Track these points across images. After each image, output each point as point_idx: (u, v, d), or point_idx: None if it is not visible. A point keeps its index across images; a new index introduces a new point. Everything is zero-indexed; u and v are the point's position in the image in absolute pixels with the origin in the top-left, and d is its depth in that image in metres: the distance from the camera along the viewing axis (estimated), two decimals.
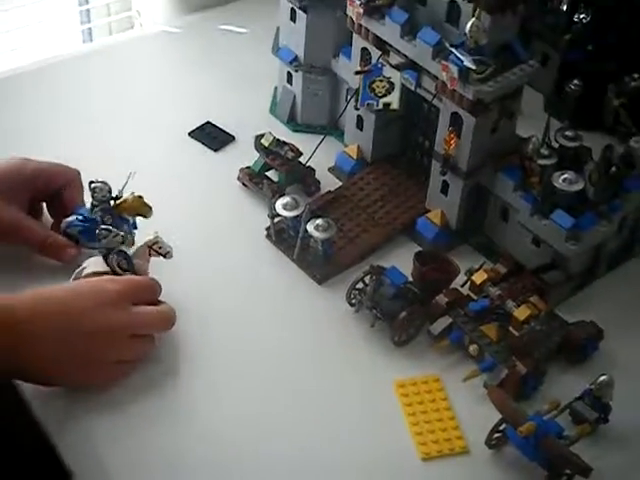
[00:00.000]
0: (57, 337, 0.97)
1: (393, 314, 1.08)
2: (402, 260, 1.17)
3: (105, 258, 1.06)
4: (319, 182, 1.28)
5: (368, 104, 1.11)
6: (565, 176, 1.09)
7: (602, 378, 1.01)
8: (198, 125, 1.36)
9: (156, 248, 1.08)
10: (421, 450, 1.01)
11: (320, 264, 1.17)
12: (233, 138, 1.35)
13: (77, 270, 1.07)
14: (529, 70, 1.09)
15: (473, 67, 1.03)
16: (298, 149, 1.26)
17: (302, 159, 1.26)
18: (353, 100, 1.20)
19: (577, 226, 1.08)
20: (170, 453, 0.99)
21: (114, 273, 1.06)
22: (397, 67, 1.12)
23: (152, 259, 1.10)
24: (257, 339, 1.11)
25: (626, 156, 1.14)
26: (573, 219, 1.08)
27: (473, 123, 1.10)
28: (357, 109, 1.23)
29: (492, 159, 1.14)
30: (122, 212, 1.12)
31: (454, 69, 1.04)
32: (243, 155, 1.29)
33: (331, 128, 1.32)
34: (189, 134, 1.35)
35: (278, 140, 1.25)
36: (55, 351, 0.97)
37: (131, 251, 1.08)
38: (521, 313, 1.04)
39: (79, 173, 1.17)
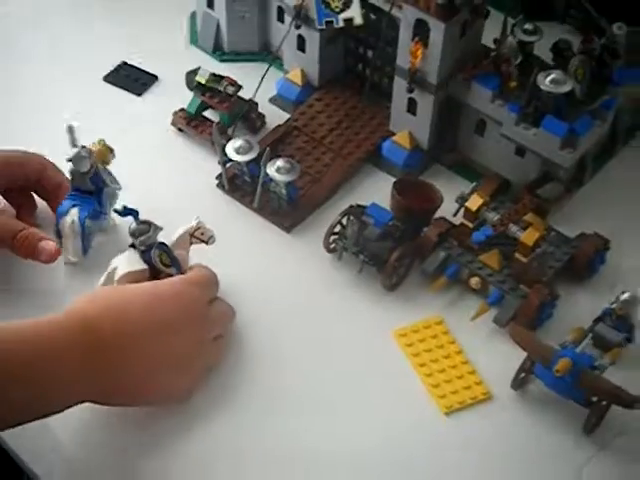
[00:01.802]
0: (145, 351, 0.84)
1: (383, 257, 0.96)
2: (372, 193, 1.05)
3: (143, 253, 0.92)
4: (264, 116, 1.13)
5: (327, 22, 0.96)
6: (552, 76, 0.98)
7: (625, 295, 0.91)
8: (112, 67, 1.19)
9: (198, 235, 0.95)
10: (442, 404, 0.90)
11: (284, 210, 1.03)
12: (156, 78, 1.18)
13: (107, 271, 0.92)
14: None
15: None
16: (236, 82, 1.10)
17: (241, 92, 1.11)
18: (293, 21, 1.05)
19: (573, 131, 0.97)
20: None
21: (155, 270, 0.92)
22: None
23: None
24: (233, 303, 0.96)
25: (608, 46, 1.03)
26: (566, 124, 0.97)
27: (442, 29, 0.97)
28: (298, 28, 1.08)
29: (462, 67, 1.02)
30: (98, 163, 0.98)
31: None
32: (171, 96, 1.14)
33: (264, 53, 1.17)
34: (104, 79, 1.18)
35: (214, 75, 1.09)
36: (145, 368, 0.84)
37: (171, 241, 0.94)
38: (529, 237, 0.93)
39: (45, 157, 1.01)
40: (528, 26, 1.08)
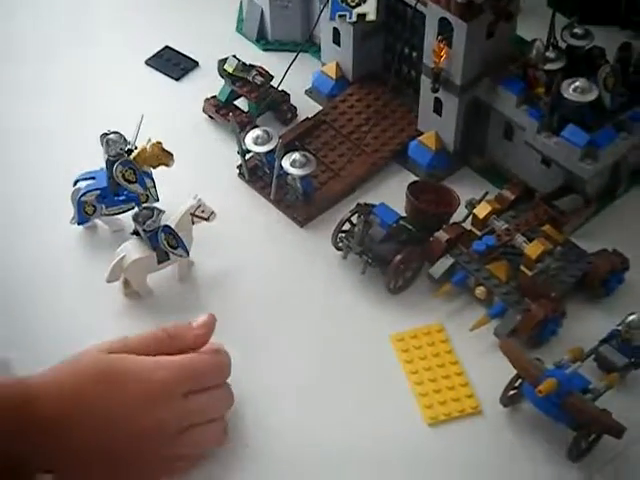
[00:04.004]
0: (95, 444, 0.79)
1: (386, 258, 0.94)
2: (395, 192, 1.03)
3: (149, 239, 0.94)
4: (295, 108, 1.12)
5: (340, 16, 0.94)
6: (576, 84, 0.94)
7: (631, 317, 0.87)
8: (156, 51, 1.20)
9: (199, 213, 0.96)
10: (427, 415, 0.88)
11: (301, 204, 1.02)
12: (197, 64, 1.19)
13: (115, 261, 0.94)
14: None
15: None
16: (268, 72, 1.10)
17: (274, 82, 1.10)
18: (327, 11, 1.04)
19: (593, 142, 0.93)
20: None
21: (162, 253, 0.94)
22: None
23: None
24: (235, 291, 0.98)
25: None
26: (588, 135, 0.93)
27: (465, 29, 0.94)
28: (333, 18, 1.06)
29: (490, 69, 0.98)
30: (143, 164, 0.98)
31: None
32: (209, 82, 1.14)
33: (306, 44, 1.15)
34: (146, 62, 1.19)
35: (244, 64, 1.09)
36: (92, 459, 0.80)
37: (172, 223, 0.95)
38: (533, 250, 0.90)
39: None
40: (578, 30, 1.03)
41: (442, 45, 0.96)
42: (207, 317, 0.86)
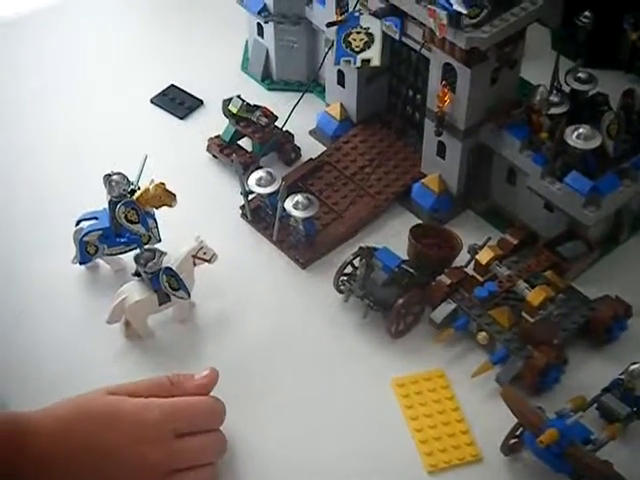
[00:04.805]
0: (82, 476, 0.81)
1: (387, 302, 0.94)
2: (397, 235, 1.04)
3: (150, 280, 0.93)
4: (299, 149, 1.12)
5: (345, 61, 0.95)
6: (580, 131, 0.94)
7: (634, 367, 0.87)
8: (161, 90, 1.20)
9: (201, 255, 0.95)
10: (427, 462, 0.87)
11: (303, 246, 1.02)
12: (201, 102, 1.19)
13: (117, 302, 0.94)
14: (532, 10, 0.93)
15: (464, 11, 0.86)
16: (272, 113, 1.10)
17: (279, 123, 1.11)
18: (331, 53, 1.04)
19: (596, 189, 0.93)
20: None
21: (164, 295, 0.94)
22: (377, 14, 0.96)
23: None
24: (235, 332, 0.97)
25: None
26: (591, 182, 0.93)
27: (468, 75, 0.94)
28: (338, 63, 1.07)
29: (494, 115, 0.99)
30: (146, 204, 0.98)
31: (442, 14, 0.88)
32: (214, 121, 1.14)
33: (311, 84, 1.15)
34: (151, 101, 1.19)
35: (248, 104, 1.09)
36: None
37: (174, 265, 0.94)
38: (535, 297, 0.89)
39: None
40: (582, 74, 1.04)
41: (446, 90, 0.96)
42: (210, 370, 0.87)
